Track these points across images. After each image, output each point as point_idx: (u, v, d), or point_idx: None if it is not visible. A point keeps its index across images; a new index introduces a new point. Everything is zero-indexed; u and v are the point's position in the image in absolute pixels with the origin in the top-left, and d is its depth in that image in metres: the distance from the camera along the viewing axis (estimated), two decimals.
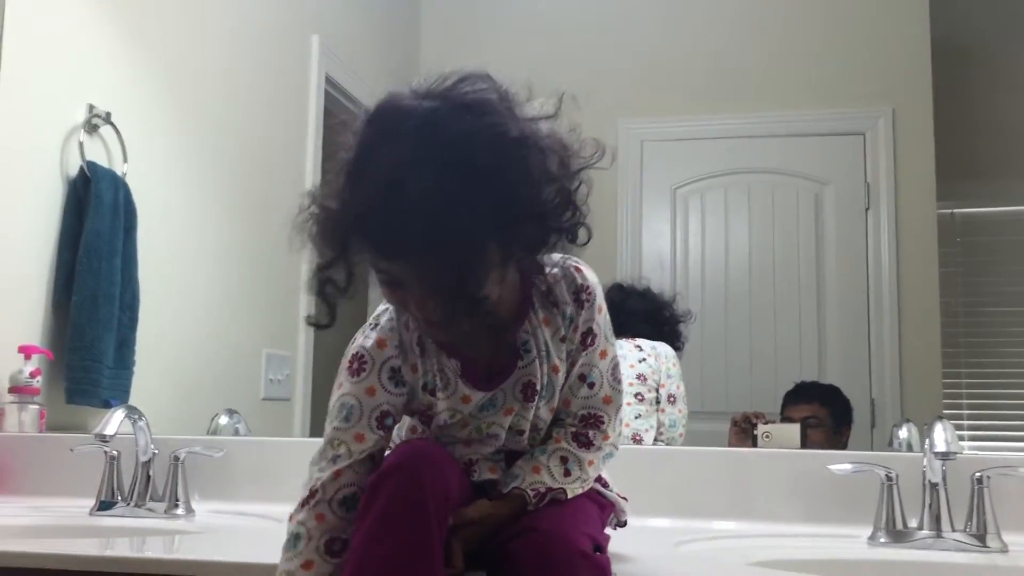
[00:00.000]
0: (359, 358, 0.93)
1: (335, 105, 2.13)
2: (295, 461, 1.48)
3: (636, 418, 1.71)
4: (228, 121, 2.04)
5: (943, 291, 1.82)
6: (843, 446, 1.71)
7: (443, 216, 0.78)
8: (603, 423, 0.98)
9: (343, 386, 0.93)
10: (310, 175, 2.10)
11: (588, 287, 0.95)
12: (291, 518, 0.92)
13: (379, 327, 0.94)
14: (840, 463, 1.26)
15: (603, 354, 0.97)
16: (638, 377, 1.72)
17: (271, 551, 1.01)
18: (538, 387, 0.94)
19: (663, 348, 1.76)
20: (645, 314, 1.82)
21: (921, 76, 1.85)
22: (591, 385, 0.97)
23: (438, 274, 0.80)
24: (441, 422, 0.95)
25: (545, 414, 0.97)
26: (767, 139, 2.00)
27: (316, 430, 2.00)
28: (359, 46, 2.25)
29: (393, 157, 0.80)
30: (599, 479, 1.03)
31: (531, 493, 0.93)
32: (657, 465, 1.40)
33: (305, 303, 2.05)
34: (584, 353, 0.96)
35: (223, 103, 2.03)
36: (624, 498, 1.05)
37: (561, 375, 0.96)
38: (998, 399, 1.83)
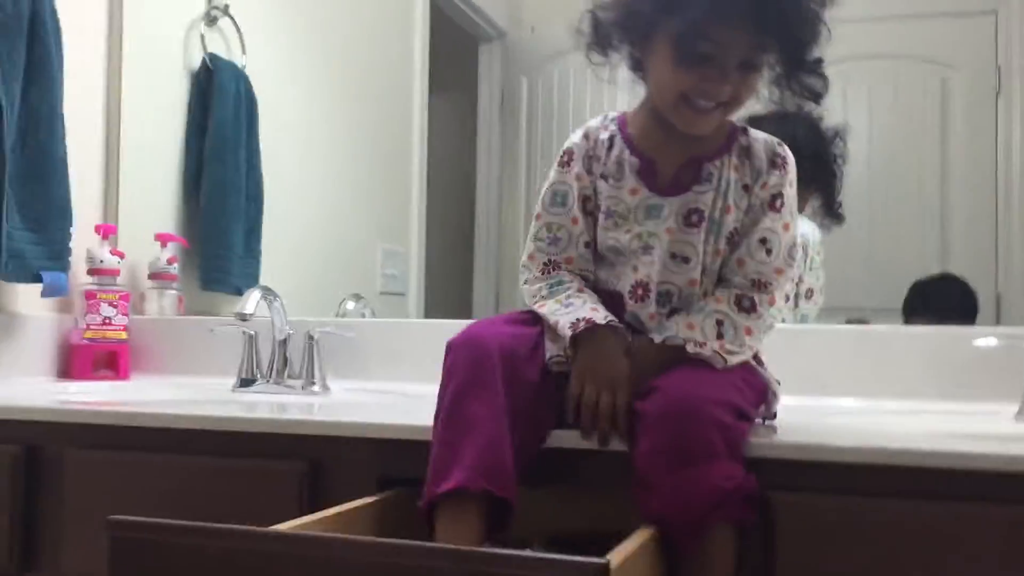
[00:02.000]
0: (568, 152, 1.05)
1: (444, 2, 2.10)
2: (421, 342, 1.56)
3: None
4: (340, 17, 2.03)
5: None
6: None
7: None
8: (770, 289, 1.00)
9: (550, 178, 1.06)
10: (419, 77, 2.09)
11: (785, 157, 1.02)
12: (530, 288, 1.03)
13: (585, 128, 1.06)
14: (985, 338, 1.22)
15: (786, 227, 1.01)
16: None
17: (409, 417, 1.06)
18: (705, 215, 0.99)
19: (808, 234, 1.65)
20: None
21: None
22: (769, 251, 1.00)
23: (790, 31, 0.93)
24: (604, 215, 1.02)
25: (710, 254, 1.00)
26: (888, 21, 1.89)
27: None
28: None
29: None
30: (755, 357, 1.02)
31: (686, 343, 0.95)
32: (791, 343, 1.36)
33: (417, 200, 2.08)
34: (768, 216, 1.00)
35: (334, 7, 2.02)
36: (778, 382, 1.04)
37: (731, 219, 1.00)
38: None
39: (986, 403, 1.23)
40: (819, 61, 0.97)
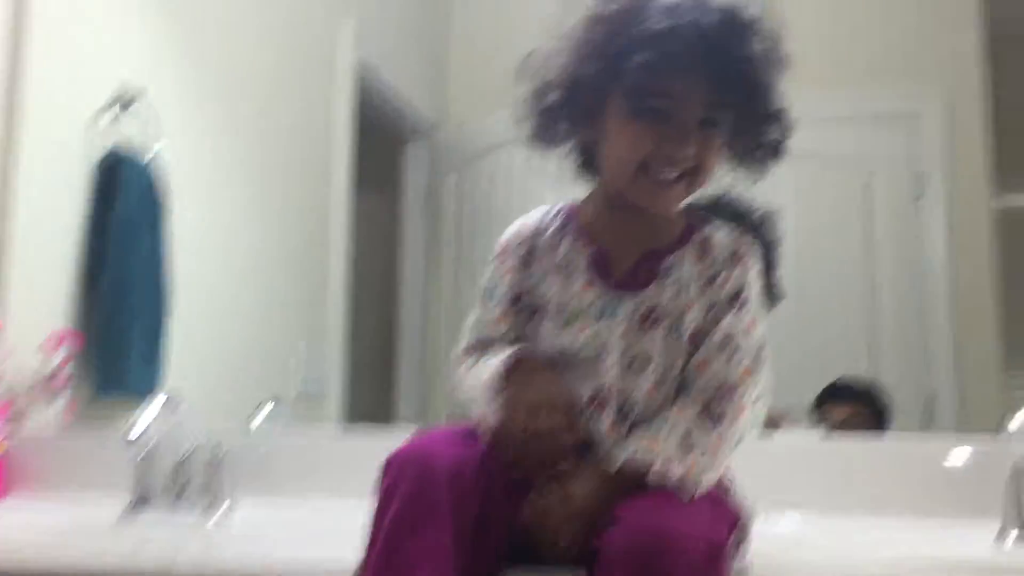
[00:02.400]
0: (503, 246, 0.98)
1: (370, 92, 2.04)
2: (342, 454, 1.43)
3: None
4: (260, 108, 1.95)
5: (1004, 285, 1.71)
6: None
7: (755, 35, 0.87)
8: (738, 395, 0.90)
9: (485, 273, 0.99)
10: (341, 172, 2.01)
11: (746, 252, 0.95)
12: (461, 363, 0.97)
13: (525, 220, 0.99)
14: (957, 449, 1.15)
15: (751, 325, 0.93)
16: None
17: (327, 550, 0.93)
18: (664, 314, 0.91)
19: None
20: None
21: (977, 56, 1.76)
22: (733, 353, 0.91)
23: (745, 84, 0.87)
24: (552, 314, 0.93)
25: (670, 357, 0.91)
26: (812, 122, 1.90)
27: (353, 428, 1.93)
28: (393, 32, 2.17)
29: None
30: (723, 479, 0.92)
31: (646, 466, 0.85)
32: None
33: (338, 299, 1.97)
34: (731, 315, 0.92)
35: (258, 88, 1.94)
36: (750, 507, 0.94)
37: (691, 318, 0.92)
38: None
39: (956, 520, 1.16)
40: (780, 111, 0.90)
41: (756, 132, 0.90)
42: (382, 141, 2.15)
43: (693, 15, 0.85)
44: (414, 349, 2.04)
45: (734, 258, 0.94)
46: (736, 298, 0.92)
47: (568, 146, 0.95)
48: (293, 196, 2.00)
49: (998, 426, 1.52)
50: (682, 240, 0.94)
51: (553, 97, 0.91)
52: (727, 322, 0.91)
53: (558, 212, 0.98)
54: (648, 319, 0.91)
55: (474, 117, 2.07)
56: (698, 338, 0.92)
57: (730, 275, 0.93)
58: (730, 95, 0.87)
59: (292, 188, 2.00)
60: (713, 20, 0.86)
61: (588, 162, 0.96)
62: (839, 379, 1.66)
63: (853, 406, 1.64)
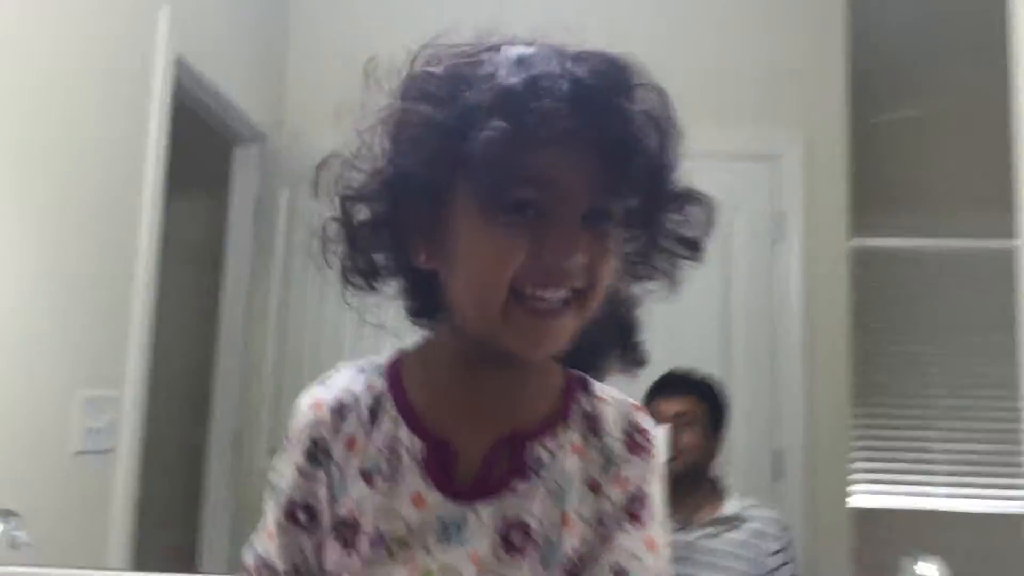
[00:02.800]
0: (291, 429, 0.68)
1: (186, 95, 1.77)
2: None
3: None
4: (52, 106, 1.63)
5: (855, 328, 1.68)
6: (715, 451, 1.52)
7: (641, 85, 0.62)
8: None
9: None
10: (151, 173, 1.73)
11: (648, 433, 0.67)
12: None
13: (327, 389, 0.68)
14: None
15: (652, 545, 0.65)
16: None
17: None
18: (534, 533, 0.63)
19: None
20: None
21: (836, 101, 1.73)
22: None
23: (636, 158, 0.60)
24: (368, 540, 0.63)
25: None
26: None
27: (147, 497, 1.65)
28: (219, 25, 1.91)
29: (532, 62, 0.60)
30: None
31: None
32: None
33: (138, 331, 1.69)
34: (627, 531, 0.64)
35: (47, 84, 1.62)
36: None
37: (574, 536, 0.64)
38: (900, 440, 1.74)
39: None
40: (692, 191, 0.64)
41: (663, 223, 0.64)
42: (208, 144, 1.90)
43: (555, 63, 0.60)
44: (231, 397, 1.81)
45: (631, 443, 0.66)
46: (632, 506, 0.65)
47: (396, 283, 0.67)
48: (87, 206, 1.67)
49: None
50: (560, 415, 0.66)
51: (367, 214, 0.64)
52: (620, 543, 0.64)
53: (374, 376, 0.68)
54: (509, 541, 0.63)
55: (310, 127, 1.86)
56: (579, 566, 0.64)
57: (625, 469, 0.65)
58: (625, 172, 0.60)
59: (86, 196, 1.68)
60: (584, 68, 0.59)
61: (427, 300, 0.68)
62: (672, 370, 1.47)
63: (685, 400, 1.48)
